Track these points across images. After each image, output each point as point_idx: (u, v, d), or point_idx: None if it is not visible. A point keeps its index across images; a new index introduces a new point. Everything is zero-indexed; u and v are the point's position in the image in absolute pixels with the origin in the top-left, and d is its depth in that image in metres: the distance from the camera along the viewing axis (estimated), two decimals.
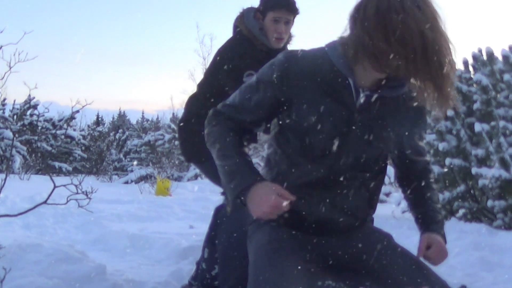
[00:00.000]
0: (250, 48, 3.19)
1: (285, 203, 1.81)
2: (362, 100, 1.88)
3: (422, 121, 2.06)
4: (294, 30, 3.36)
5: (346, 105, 1.88)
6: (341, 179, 1.96)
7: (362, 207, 2.06)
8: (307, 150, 1.94)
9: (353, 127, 1.90)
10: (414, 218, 2.18)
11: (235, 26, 3.31)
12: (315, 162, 1.94)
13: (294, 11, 3.22)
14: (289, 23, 3.23)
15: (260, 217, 1.83)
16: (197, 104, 3.31)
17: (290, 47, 3.35)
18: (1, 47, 3.35)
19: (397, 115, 1.95)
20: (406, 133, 2.02)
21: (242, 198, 1.85)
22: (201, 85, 3.37)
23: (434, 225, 2.12)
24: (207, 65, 3.43)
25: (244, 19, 3.25)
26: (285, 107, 1.94)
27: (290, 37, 3.31)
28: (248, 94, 2.00)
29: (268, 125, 2.09)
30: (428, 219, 2.13)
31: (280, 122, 2.00)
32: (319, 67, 1.89)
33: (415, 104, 1.88)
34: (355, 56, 1.76)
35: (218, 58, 3.26)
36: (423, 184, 2.17)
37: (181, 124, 3.41)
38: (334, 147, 1.91)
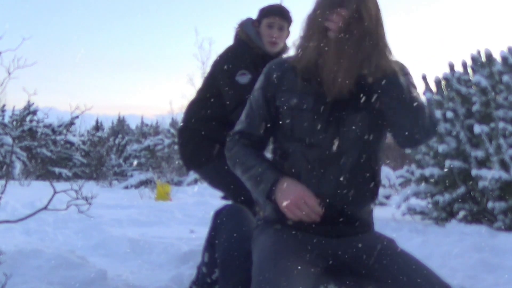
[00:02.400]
0: (247, 50, 3.42)
1: (311, 199, 1.93)
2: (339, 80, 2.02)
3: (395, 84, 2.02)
4: (289, 41, 3.53)
5: (324, 87, 2.03)
6: (338, 155, 2.02)
7: (367, 185, 2.09)
8: (298, 132, 2.05)
9: (336, 105, 2.02)
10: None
11: (236, 35, 3.54)
12: (308, 142, 2.03)
13: (287, 18, 3.45)
14: (283, 29, 3.43)
15: (289, 209, 1.94)
16: (196, 108, 3.42)
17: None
18: (0, 53, 3.36)
19: (376, 88, 2.02)
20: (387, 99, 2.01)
21: (272, 197, 1.99)
22: (200, 90, 3.53)
23: None
24: (206, 70, 3.54)
25: (243, 27, 3.48)
26: (273, 100, 2.12)
27: (286, 47, 3.49)
28: (249, 107, 2.20)
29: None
30: None
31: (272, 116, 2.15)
32: (286, 62, 2.14)
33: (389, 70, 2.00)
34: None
35: (216, 61, 3.45)
36: None
37: (181, 128, 3.50)
38: (321, 123, 2.02)
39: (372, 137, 2.08)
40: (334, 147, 2.02)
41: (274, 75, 2.13)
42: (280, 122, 2.10)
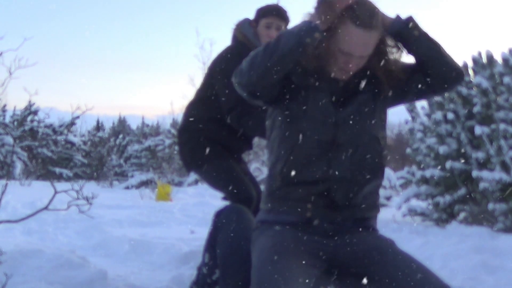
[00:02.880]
0: (245, 51, 3.34)
1: None
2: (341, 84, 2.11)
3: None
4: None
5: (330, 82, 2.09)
6: (351, 137, 2.07)
7: (377, 165, 2.13)
8: (313, 111, 2.07)
9: (347, 88, 2.09)
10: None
11: (234, 36, 3.54)
12: (321, 122, 2.06)
13: (284, 18, 3.46)
14: (280, 29, 3.44)
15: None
16: (195, 108, 3.44)
17: None
18: (1, 53, 3.36)
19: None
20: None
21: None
22: (199, 91, 3.55)
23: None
24: (207, 70, 3.54)
25: (240, 28, 3.50)
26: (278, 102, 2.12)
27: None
28: None
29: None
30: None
31: (274, 118, 2.16)
32: (301, 67, 2.10)
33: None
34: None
35: (214, 62, 3.47)
36: None
37: (180, 129, 3.52)
38: (334, 104, 2.07)
39: (380, 120, 2.15)
40: (347, 128, 2.06)
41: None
42: (292, 104, 2.10)
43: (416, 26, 2.09)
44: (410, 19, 2.09)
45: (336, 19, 2.01)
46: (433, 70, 2.11)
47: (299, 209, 2.05)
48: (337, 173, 2.04)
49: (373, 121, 2.12)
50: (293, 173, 2.06)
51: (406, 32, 2.08)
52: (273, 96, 2.10)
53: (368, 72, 2.12)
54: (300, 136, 2.06)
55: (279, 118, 2.13)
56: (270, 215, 2.14)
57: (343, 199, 2.07)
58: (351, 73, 2.07)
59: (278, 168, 2.10)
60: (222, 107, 3.30)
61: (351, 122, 2.07)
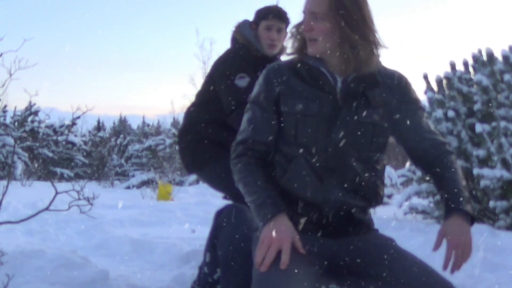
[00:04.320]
0: (245, 53, 3.43)
1: (288, 247, 1.87)
2: (340, 83, 2.06)
3: (408, 92, 2.17)
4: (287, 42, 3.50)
5: (327, 91, 2.05)
6: (343, 161, 2.03)
7: (372, 189, 2.10)
8: (300, 138, 2.05)
9: (339, 110, 2.03)
10: (440, 198, 2.21)
11: (233, 38, 3.53)
12: (311, 148, 2.03)
13: (285, 20, 3.45)
14: (281, 31, 3.45)
15: (263, 241, 1.90)
16: (196, 111, 3.44)
17: (284, 58, 3.52)
18: (1, 54, 3.36)
19: (378, 88, 2.09)
20: (394, 102, 2.12)
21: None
22: (199, 93, 3.55)
23: (450, 208, 2.04)
24: (207, 70, 3.54)
25: (240, 30, 3.49)
26: (278, 105, 2.10)
27: (283, 48, 3.51)
28: (251, 114, 2.15)
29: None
30: (446, 201, 2.05)
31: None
32: (295, 67, 2.11)
33: (390, 74, 2.14)
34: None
35: (215, 64, 3.47)
36: (440, 165, 2.13)
37: (181, 131, 3.53)
38: (325, 128, 2.02)
39: (378, 140, 2.10)
40: (338, 153, 2.03)
41: (277, 80, 2.11)
42: (283, 127, 2.09)
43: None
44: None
45: None
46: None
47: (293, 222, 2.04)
48: (328, 197, 2.03)
49: (368, 145, 2.07)
50: (286, 189, 2.07)
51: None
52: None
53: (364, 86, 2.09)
54: (292, 159, 2.06)
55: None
56: None
57: (335, 220, 2.06)
58: (310, 36, 2.06)
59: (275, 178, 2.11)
60: (223, 109, 3.30)
61: (342, 147, 2.03)
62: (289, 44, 2.18)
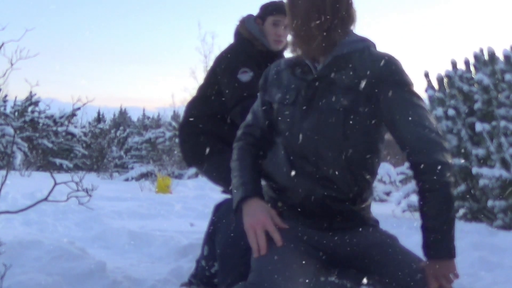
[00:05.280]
0: (249, 48, 3.41)
1: (271, 225, 1.95)
2: (319, 68, 2.04)
3: (394, 73, 1.96)
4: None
5: (305, 76, 2.07)
6: (315, 148, 2.00)
7: (345, 180, 2.00)
8: (280, 126, 2.09)
9: (314, 97, 2.02)
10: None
11: (237, 33, 3.50)
12: (287, 135, 2.06)
13: None
14: (287, 27, 3.35)
15: (248, 230, 1.97)
16: (198, 105, 3.43)
17: (288, 53, 3.51)
18: (3, 44, 3.36)
19: (349, 70, 1.99)
20: (374, 83, 1.94)
21: (238, 212, 2.07)
22: (201, 87, 3.53)
23: (438, 249, 1.88)
24: (209, 63, 3.54)
25: (245, 24, 3.45)
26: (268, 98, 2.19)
27: (288, 44, 3.44)
28: (254, 105, 2.28)
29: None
30: (430, 240, 1.89)
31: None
32: (290, 61, 2.17)
33: (378, 58, 1.99)
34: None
35: (218, 58, 3.44)
36: (427, 187, 1.89)
37: (182, 124, 3.53)
38: (298, 116, 2.03)
39: (352, 127, 1.96)
40: (309, 141, 2.00)
41: (270, 75, 2.21)
42: (273, 117, 2.17)
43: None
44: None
45: None
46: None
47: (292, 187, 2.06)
48: (297, 185, 2.03)
49: (340, 132, 1.96)
50: (268, 179, 2.16)
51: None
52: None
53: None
54: (273, 146, 2.14)
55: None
56: None
57: (311, 208, 2.04)
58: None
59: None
60: (226, 103, 3.29)
61: (312, 134, 1.99)
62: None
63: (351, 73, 1.98)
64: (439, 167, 1.87)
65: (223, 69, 3.33)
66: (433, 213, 1.87)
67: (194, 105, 3.50)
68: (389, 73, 1.95)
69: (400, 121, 1.93)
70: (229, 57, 3.35)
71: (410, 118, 1.91)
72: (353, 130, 1.95)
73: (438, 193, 1.87)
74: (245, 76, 3.25)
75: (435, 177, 1.86)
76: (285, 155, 2.05)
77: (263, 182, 2.16)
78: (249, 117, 2.27)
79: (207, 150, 3.32)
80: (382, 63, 1.96)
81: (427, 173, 1.88)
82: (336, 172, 1.98)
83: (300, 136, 2.01)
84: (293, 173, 2.03)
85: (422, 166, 1.88)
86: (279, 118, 2.10)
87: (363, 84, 1.94)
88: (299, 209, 2.05)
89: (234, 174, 2.14)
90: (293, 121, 2.04)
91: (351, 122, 1.94)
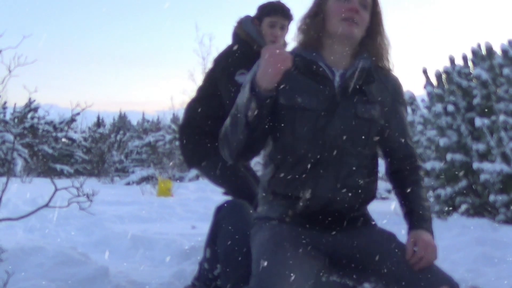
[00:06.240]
0: (247, 49, 3.42)
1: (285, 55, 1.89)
2: (338, 77, 2.06)
3: (400, 93, 2.21)
4: (288, 37, 3.54)
5: (325, 84, 2.04)
6: (339, 156, 2.02)
7: (364, 185, 2.09)
8: (299, 131, 2.03)
9: (337, 104, 2.03)
10: (403, 214, 2.19)
11: (235, 34, 3.52)
12: (308, 142, 2.02)
13: (288, 16, 3.45)
14: (284, 28, 3.45)
15: (268, 63, 1.90)
16: (197, 106, 3.45)
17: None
18: (1, 51, 3.36)
19: (375, 85, 2.11)
20: (388, 100, 2.14)
21: (256, 86, 1.93)
22: (200, 88, 3.57)
23: (422, 223, 2.10)
24: (207, 65, 3.55)
25: (242, 25, 3.48)
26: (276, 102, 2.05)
27: (285, 44, 3.50)
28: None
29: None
30: (416, 216, 2.12)
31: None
32: (294, 61, 2.03)
33: (386, 74, 2.16)
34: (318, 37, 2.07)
35: (217, 60, 3.48)
36: (412, 179, 2.19)
37: (181, 126, 3.55)
38: (322, 123, 2.01)
39: (373, 137, 2.11)
40: (334, 148, 2.02)
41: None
42: (280, 120, 2.06)
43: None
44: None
45: None
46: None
47: (284, 216, 2.05)
48: (318, 193, 2.02)
49: (364, 141, 2.08)
50: (278, 186, 2.08)
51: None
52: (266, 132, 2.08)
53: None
54: (288, 152, 2.06)
55: (271, 134, 2.11)
56: (264, 213, 2.15)
57: (325, 216, 2.06)
58: (355, 21, 2.05)
59: (267, 176, 2.12)
60: (224, 105, 3.30)
61: (338, 142, 2.03)
62: (301, 35, 2.14)
63: (377, 86, 2.11)
64: (421, 170, 2.24)
65: (221, 70, 3.35)
66: (425, 198, 2.19)
67: (194, 107, 3.51)
68: (401, 93, 2.21)
69: (399, 135, 2.18)
70: (227, 58, 3.37)
71: (407, 135, 2.21)
72: (372, 139, 2.10)
73: (424, 184, 2.25)
74: (242, 77, 3.26)
75: (419, 174, 2.23)
76: (304, 162, 2.03)
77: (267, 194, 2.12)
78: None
79: (207, 150, 3.32)
80: (397, 82, 2.20)
81: (413, 171, 2.21)
82: (356, 179, 2.07)
83: (325, 143, 2.02)
84: (311, 181, 2.02)
85: (408, 167, 2.21)
86: (297, 123, 2.03)
87: (388, 99, 2.13)
88: (308, 214, 2.05)
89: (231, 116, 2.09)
90: (317, 127, 2.02)
91: (373, 132, 2.09)
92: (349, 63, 2.08)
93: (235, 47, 3.44)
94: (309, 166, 2.02)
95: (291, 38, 2.22)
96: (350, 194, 2.06)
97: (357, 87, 2.06)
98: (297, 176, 2.03)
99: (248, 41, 3.42)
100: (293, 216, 2.05)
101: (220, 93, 3.34)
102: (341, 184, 2.04)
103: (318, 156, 2.02)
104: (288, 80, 2.05)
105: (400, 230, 2.20)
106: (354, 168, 2.06)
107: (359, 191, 2.08)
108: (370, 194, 2.14)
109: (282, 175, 2.06)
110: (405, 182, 2.18)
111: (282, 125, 2.06)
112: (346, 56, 2.08)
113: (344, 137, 2.03)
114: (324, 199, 2.03)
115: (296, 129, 2.04)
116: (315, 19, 2.07)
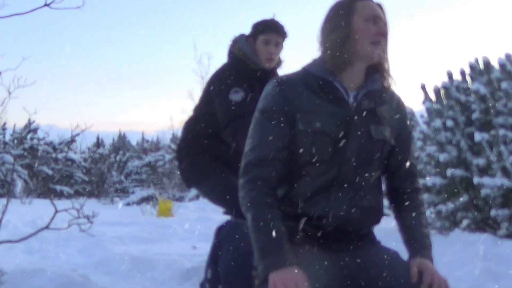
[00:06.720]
0: (241, 67, 3.45)
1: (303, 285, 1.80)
2: (351, 98, 2.06)
3: (405, 114, 2.21)
4: (283, 54, 3.59)
5: (341, 106, 2.03)
6: (353, 177, 2.03)
7: (375, 205, 2.11)
8: (316, 154, 2.00)
9: (353, 125, 2.03)
10: (403, 240, 2.15)
11: (230, 52, 3.52)
12: (325, 164, 2.00)
13: (283, 34, 3.47)
14: (278, 45, 3.46)
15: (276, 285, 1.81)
16: (194, 125, 3.46)
17: (280, 71, 3.56)
18: (0, 73, 3.36)
19: (384, 105, 2.12)
20: (396, 121, 2.15)
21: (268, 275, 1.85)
22: (196, 107, 3.58)
23: (424, 251, 2.07)
24: (205, 84, 3.54)
25: (237, 43, 3.48)
26: (292, 125, 2.02)
27: (280, 61, 3.52)
28: (260, 129, 2.04)
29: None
30: (418, 243, 2.09)
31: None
32: (306, 81, 2.05)
33: (391, 93, 2.16)
34: (342, 57, 2.02)
35: (211, 78, 3.49)
36: (413, 204, 2.17)
37: (179, 145, 3.56)
38: (339, 145, 2.00)
39: (383, 157, 2.13)
40: (350, 170, 2.02)
41: (293, 93, 2.03)
42: (296, 144, 2.01)
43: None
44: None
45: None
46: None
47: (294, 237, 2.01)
48: (334, 214, 2.01)
49: (377, 162, 2.10)
50: (291, 207, 2.03)
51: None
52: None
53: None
54: (302, 173, 2.02)
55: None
56: None
57: (337, 235, 2.05)
58: (381, 45, 2.05)
59: (279, 194, 2.04)
60: (219, 123, 3.31)
61: (354, 163, 2.03)
62: (329, 57, 2.05)
63: (388, 108, 2.13)
64: (421, 194, 2.23)
65: (215, 89, 3.36)
66: (426, 224, 2.16)
67: (191, 126, 3.53)
68: (406, 112, 2.22)
69: (404, 154, 2.20)
70: (221, 77, 3.38)
71: (411, 156, 2.23)
72: (383, 159, 2.12)
73: (424, 208, 2.22)
74: (236, 95, 3.28)
75: (420, 198, 2.21)
76: (320, 184, 2.01)
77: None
78: (255, 148, 2.01)
79: (205, 170, 3.32)
80: (401, 102, 2.21)
81: (414, 195, 2.20)
82: (369, 200, 2.08)
83: (342, 165, 2.01)
84: (326, 202, 2.01)
85: (409, 190, 2.20)
86: (316, 148, 1.99)
87: (394, 118, 2.14)
88: (321, 235, 2.04)
89: (261, 227, 1.90)
90: (334, 150, 2.00)
91: (384, 152, 2.11)
92: (360, 83, 2.07)
93: (229, 65, 3.46)
94: (324, 187, 2.01)
95: (311, 55, 2.15)
96: (364, 215, 2.06)
97: (371, 108, 2.07)
98: (311, 197, 2.01)
99: (243, 59, 3.42)
100: (304, 236, 2.02)
101: (216, 112, 3.36)
102: (355, 205, 2.04)
103: (334, 178, 2.01)
104: (306, 103, 2.01)
105: (403, 248, 2.19)
106: (367, 189, 2.07)
107: (372, 211, 2.10)
108: (381, 214, 2.15)
109: (295, 195, 2.02)
110: (406, 207, 2.16)
111: (299, 149, 2.01)
112: (359, 77, 2.07)
113: (359, 159, 2.03)
114: (339, 220, 2.02)
115: (313, 152, 2.00)
116: (348, 42, 2.02)
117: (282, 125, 2.00)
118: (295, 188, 2.03)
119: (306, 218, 2.01)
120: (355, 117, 2.03)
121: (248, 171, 1.99)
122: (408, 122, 2.23)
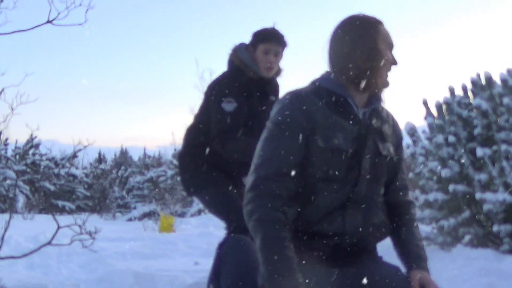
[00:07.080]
0: (240, 76, 3.45)
1: None
2: (361, 115, 2.07)
3: (400, 131, 2.28)
4: (283, 63, 3.60)
5: (354, 123, 2.04)
6: (365, 193, 2.04)
7: (385, 221, 2.15)
8: (333, 172, 1.98)
9: (364, 142, 2.05)
10: (398, 253, 2.17)
11: (230, 61, 3.56)
12: (340, 182, 2.00)
13: (283, 43, 3.48)
14: (278, 54, 3.48)
15: None
16: (193, 133, 3.49)
17: (280, 79, 3.58)
18: (3, 89, 3.38)
19: (385, 124, 2.16)
20: (392, 135, 2.20)
21: None
22: (196, 116, 3.60)
23: (421, 263, 2.12)
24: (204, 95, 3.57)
25: (237, 52, 3.50)
26: (309, 141, 1.97)
27: (279, 70, 3.52)
28: (275, 143, 1.98)
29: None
30: (415, 256, 2.13)
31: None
32: (320, 96, 2.03)
33: (386, 112, 2.21)
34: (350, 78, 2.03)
35: (209, 87, 3.51)
36: (406, 218, 2.21)
37: (180, 154, 3.63)
38: (354, 162, 2.01)
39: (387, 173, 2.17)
40: (365, 187, 2.04)
41: (311, 109, 1.99)
42: (312, 160, 1.97)
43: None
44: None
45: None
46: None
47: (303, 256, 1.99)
48: (349, 231, 2.02)
49: (384, 178, 2.15)
50: (304, 224, 2.00)
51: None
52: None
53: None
54: (317, 189, 1.99)
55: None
56: None
57: (349, 252, 2.06)
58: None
59: (290, 212, 1.97)
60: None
61: (368, 180, 2.06)
62: (354, 80, 2.04)
63: (388, 125, 2.17)
64: (414, 207, 2.28)
65: (211, 98, 3.40)
66: (420, 237, 2.22)
67: (191, 133, 3.56)
68: (400, 129, 2.27)
69: (398, 169, 2.24)
70: (218, 85, 3.41)
71: (403, 170, 2.27)
72: (385, 175, 2.16)
73: (416, 223, 2.27)
74: (229, 106, 3.30)
75: (412, 211, 2.25)
76: (337, 201, 2.00)
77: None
78: (269, 162, 1.94)
79: (205, 179, 3.34)
80: (394, 118, 2.25)
81: (407, 208, 2.24)
82: (380, 215, 2.12)
83: (357, 181, 2.02)
84: (341, 219, 2.01)
85: (402, 203, 2.24)
86: (333, 164, 1.97)
87: (392, 135, 2.19)
88: (334, 254, 2.05)
89: (268, 255, 1.85)
90: (349, 166, 2.00)
91: (389, 168, 2.15)
92: (365, 101, 2.10)
93: (227, 75, 3.48)
94: (339, 204, 2.01)
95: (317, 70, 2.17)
96: (376, 230, 2.09)
97: (378, 125, 2.12)
98: (326, 214, 1.99)
99: (242, 68, 3.44)
100: (312, 254, 2.02)
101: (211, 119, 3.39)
102: (369, 221, 2.06)
103: (349, 195, 2.02)
104: (323, 120, 1.99)
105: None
106: (377, 205, 2.10)
107: (383, 226, 2.12)
108: (388, 229, 2.17)
109: (308, 213, 1.99)
110: (399, 221, 2.20)
111: (314, 166, 1.98)
112: (365, 95, 2.10)
113: (371, 175, 2.06)
114: (356, 237, 2.03)
115: (329, 169, 1.98)
116: (373, 64, 2.01)
117: (298, 140, 1.95)
118: (309, 206, 1.98)
119: (318, 236, 2.00)
120: (366, 134, 2.06)
121: (258, 186, 1.93)
122: (402, 139, 2.28)
